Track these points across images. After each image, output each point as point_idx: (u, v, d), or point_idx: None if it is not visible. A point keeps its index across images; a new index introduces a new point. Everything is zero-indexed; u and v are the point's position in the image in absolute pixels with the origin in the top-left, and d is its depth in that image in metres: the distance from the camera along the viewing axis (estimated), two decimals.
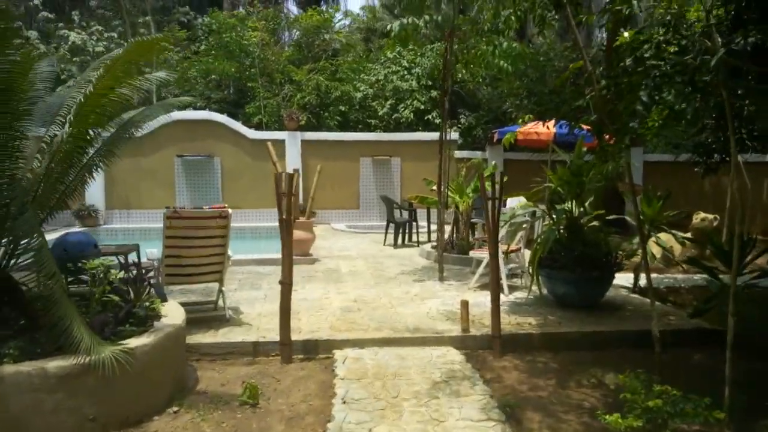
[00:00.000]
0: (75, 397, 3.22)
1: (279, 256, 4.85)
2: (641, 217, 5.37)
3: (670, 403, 3.11)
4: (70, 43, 16.09)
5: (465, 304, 5.19)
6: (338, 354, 4.75)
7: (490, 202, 5.12)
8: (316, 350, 4.89)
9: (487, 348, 5.03)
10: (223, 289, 5.66)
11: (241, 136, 14.08)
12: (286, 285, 4.70)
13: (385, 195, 12.16)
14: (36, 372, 3.13)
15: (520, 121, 9.45)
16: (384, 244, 10.89)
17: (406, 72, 16.86)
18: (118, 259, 5.25)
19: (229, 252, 5.60)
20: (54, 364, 3.18)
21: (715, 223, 9.24)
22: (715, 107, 4.51)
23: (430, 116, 16.12)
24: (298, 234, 8.79)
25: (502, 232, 6.75)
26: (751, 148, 6.16)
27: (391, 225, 11.00)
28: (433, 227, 10.32)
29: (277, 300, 4.80)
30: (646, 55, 3.53)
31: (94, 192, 13.16)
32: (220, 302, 5.63)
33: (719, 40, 3.42)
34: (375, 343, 4.97)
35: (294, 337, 4.85)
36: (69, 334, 3.23)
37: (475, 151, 15.02)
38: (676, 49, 3.73)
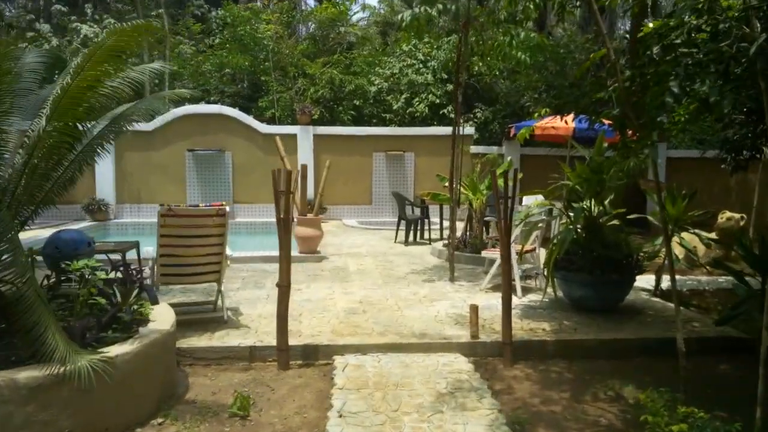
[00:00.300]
0: (48, 410, 2.99)
1: None
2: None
3: (696, 428, 2.80)
4: (82, 35, 16.00)
5: (474, 309, 4.90)
6: (338, 360, 4.49)
7: (502, 201, 4.80)
8: (316, 356, 4.63)
9: (498, 355, 4.73)
10: (223, 289, 5.42)
11: (253, 130, 13.86)
12: (284, 288, 4.44)
13: (397, 191, 11.86)
14: (5, 383, 2.90)
15: (536, 115, 9.11)
16: (395, 242, 10.61)
17: (421, 65, 16.53)
18: (108, 257, 5.02)
19: (228, 251, 5.36)
20: (25, 375, 2.95)
21: (741, 223, 8.77)
22: (747, 100, 4.17)
23: (445, 110, 15.78)
24: (305, 231, 8.60)
25: (517, 232, 6.44)
26: None
27: (403, 222, 10.71)
28: (446, 224, 10.03)
29: None
30: (677, 41, 3.18)
31: (105, 186, 13.08)
32: (219, 303, 5.39)
33: (758, 25, 3.08)
34: (378, 348, 4.69)
35: (293, 341, 4.61)
36: (43, 341, 3.01)
37: (491, 146, 14.66)
38: (708, 36, 3.40)
